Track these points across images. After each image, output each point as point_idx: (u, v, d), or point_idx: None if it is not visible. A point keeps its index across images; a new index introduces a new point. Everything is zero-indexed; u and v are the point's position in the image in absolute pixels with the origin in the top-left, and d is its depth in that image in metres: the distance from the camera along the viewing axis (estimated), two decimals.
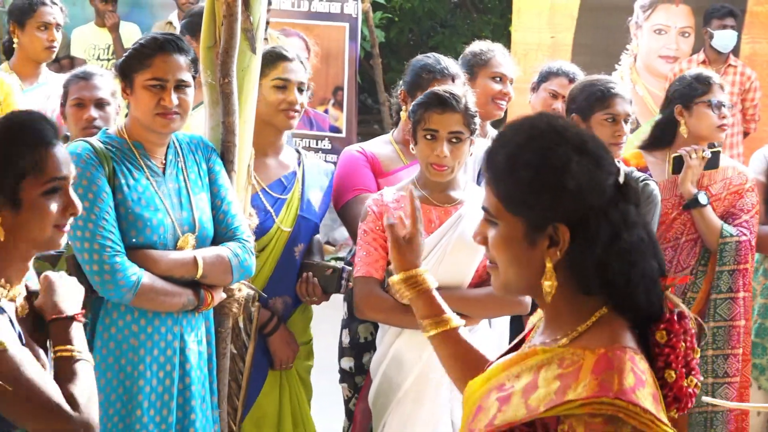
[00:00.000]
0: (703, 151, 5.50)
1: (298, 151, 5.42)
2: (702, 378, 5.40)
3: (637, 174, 5.27)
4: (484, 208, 2.61)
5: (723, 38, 8.31)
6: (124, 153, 4.31)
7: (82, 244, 4.18)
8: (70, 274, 4.18)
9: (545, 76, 5.99)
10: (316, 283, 5.15)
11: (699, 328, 5.51)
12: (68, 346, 3.25)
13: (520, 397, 2.54)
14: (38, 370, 3.13)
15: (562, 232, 2.50)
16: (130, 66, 4.30)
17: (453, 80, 5.33)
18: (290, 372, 5.28)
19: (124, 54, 4.40)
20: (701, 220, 5.50)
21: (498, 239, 2.60)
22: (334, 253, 10.42)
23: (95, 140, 4.33)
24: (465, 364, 3.15)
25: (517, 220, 2.53)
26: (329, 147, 11.88)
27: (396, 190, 4.73)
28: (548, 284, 2.54)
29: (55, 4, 6.68)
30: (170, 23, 10.63)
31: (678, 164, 5.51)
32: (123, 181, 4.25)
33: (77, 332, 3.32)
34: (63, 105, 5.31)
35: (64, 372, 3.24)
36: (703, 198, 5.49)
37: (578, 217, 2.49)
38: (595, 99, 5.11)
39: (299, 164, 5.31)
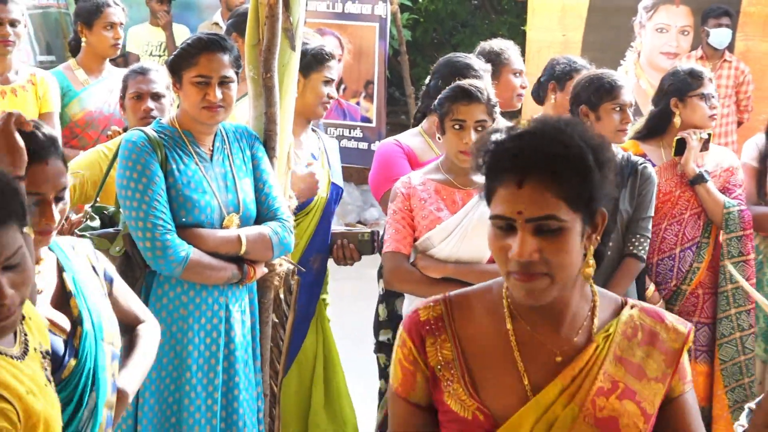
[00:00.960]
0: (701, 134, 5.50)
1: (313, 130, 5.50)
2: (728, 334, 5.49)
3: (635, 158, 5.27)
4: (547, 217, 2.38)
5: (719, 36, 8.27)
6: (175, 141, 4.30)
7: (137, 223, 4.18)
8: (126, 251, 4.24)
9: (569, 73, 5.91)
10: (353, 248, 5.22)
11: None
12: None
13: (639, 380, 2.53)
14: None
15: (602, 217, 2.45)
16: (179, 64, 4.30)
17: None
18: (322, 327, 5.43)
19: (173, 53, 4.40)
20: (706, 194, 5.48)
21: (565, 242, 2.40)
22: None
23: (149, 129, 4.33)
24: None
25: (577, 216, 2.40)
26: (360, 135, 11.90)
27: (422, 173, 4.72)
28: (590, 270, 2.49)
29: (117, 5, 6.70)
30: (216, 24, 10.63)
31: (680, 147, 5.50)
32: (174, 167, 4.24)
33: None
34: (122, 97, 5.31)
35: None
36: (706, 174, 5.49)
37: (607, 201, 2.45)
38: (604, 90, 5.09)
39: (319, 139, 5.45)
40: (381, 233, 5.08)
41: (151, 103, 5.14)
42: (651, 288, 5.47)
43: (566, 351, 2.54)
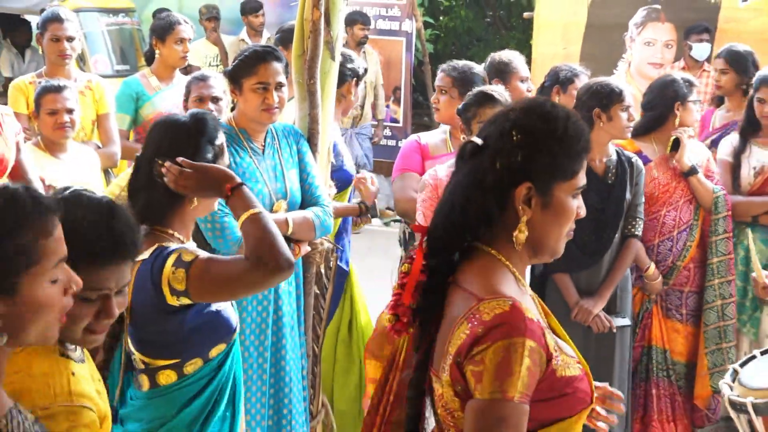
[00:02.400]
0: (690, 131, 5.52)
1: None
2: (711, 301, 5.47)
3: (628, 154, 5.29)
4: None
5: (700, 49, 8.22)
6: (232, 138, 4.28)
7: None
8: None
9: (571, 78, 5.92)
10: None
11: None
12: (255, 210, 3.03)
13: None
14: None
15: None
16: (239, 73, 4.29)
17: None
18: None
19: (233, 63, 4.39)
20: (698, 183, 5.45)
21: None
22: (392, 216, 10.41)
23: None
24: None
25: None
26: (390, 134, 11.97)
27: (447, 166, 4.69)
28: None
29: (187, 23, 6.74)
30: (242, 40, 10.73)
31: (675, 144, 5.50)
32: (231, 159, 4.23)
33: (250, 194, 3.13)
34: (186, 100, 5.31)
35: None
36: (695, 168, 5.46)
37: None
38: (615, 95, 5.09)
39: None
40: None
41: (211, 105, 5.12)
42: (652, 267, 5.44)
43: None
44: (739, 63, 6.56)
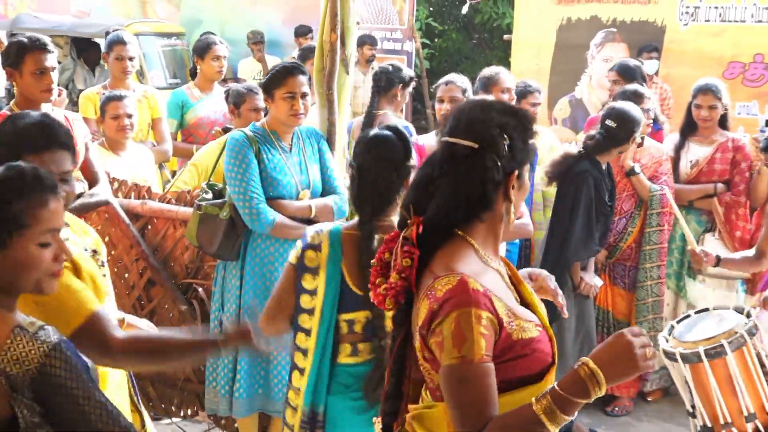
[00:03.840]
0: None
1: None
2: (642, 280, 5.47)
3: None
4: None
5: (650, 65, 8.19)
6: (265, 138, 4.30)
7: (238, 195, 4.19)
8: (231, 216, 4.23)
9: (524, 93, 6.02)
10: None
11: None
12: None
13: None
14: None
15: None
16: (272, 84, 4.27)
17: None
18: None
19: (266, 76, 4.39)
20: (638, 182, 5.48)
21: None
22: None
23: (247, 130, 4.34)
24: None
25: None
26: None
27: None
28: None
29: (222, 43, 6.73)
30: (294, 57, 10.73)
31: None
32: (264, 156, 4.25)
33: None
34: (235, 106, 5.39)
35: None
36: (637, 168, 5.47)
37: None
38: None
39: None
40: None
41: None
42: None
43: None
44: (628, 74, 6.59)
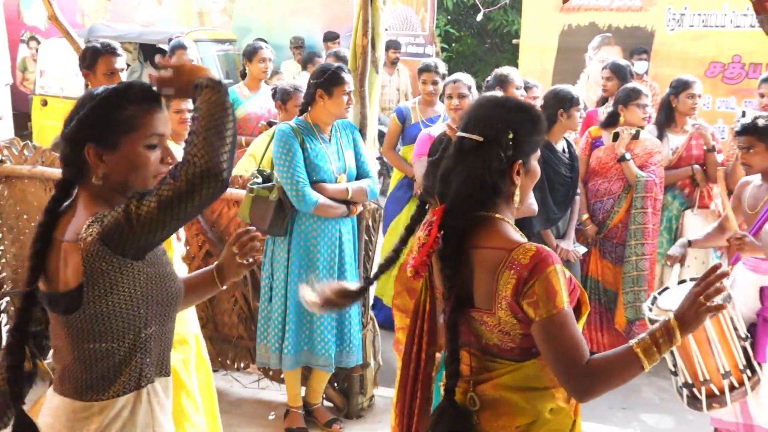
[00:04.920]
0: (630, 130, 5.44)
1: None
2: (628, 256, 5.44)
3: (568, 140, 5.30)
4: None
5: (640, 65, 8.12)
6: (308, 129, 4.29)
7: (285, 180, 4.19)
8: (279, 197, 4.23)
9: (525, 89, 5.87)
10: None
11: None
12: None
13: None
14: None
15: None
16: (332, 82, 4.23)
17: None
18: None
19: (326, 77, 4.28)
20: (626, 168, 5.42)
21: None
22: None
23: (293, 122, 4.32)
24: None
25: None
26: None
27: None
28: None
29: (268, 47, 6.72)
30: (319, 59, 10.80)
31: (616, 136, 5.48)
32: (308, 145, 4.24)
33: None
34: (283, 102, 5.32)
35: None
36: (627, 156, 5.41)
37: None
38: (574, 100, 5.06)
39: None
40: None
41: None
42: (585, 216, 5.50)
43: None
44: (620, 72, 6.51)
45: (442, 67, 6.17)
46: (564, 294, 2.08)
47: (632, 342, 2.08)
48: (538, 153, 2.31)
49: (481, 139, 2.21)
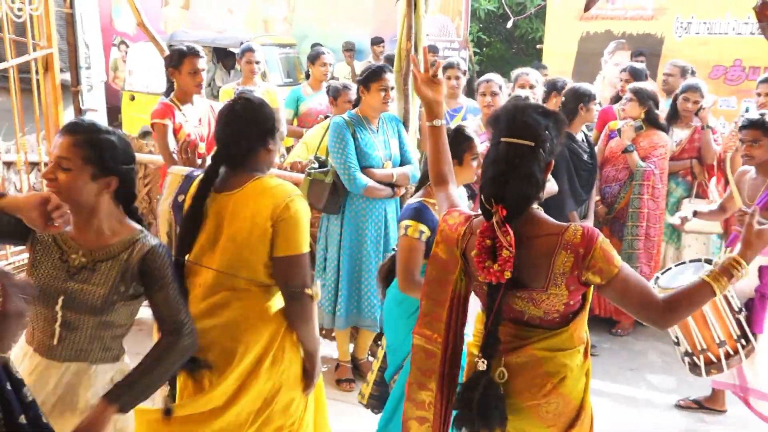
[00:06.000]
0: (632, 124, 5.37)
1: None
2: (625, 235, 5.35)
3: (585, 131, 5.22)
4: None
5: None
6: (359, 121, 4.27)
7: (339, 165, 4.18)
8: (334, 180, 4.22)
9: (564, 85, 5.71)
10: None
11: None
12: None
13: None
14: None
15: None
16: (370, 79, 4.22)
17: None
18: None
19: (364, 74, 4.29)
20: (629, 157, 5.34)
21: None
22: None
23: (345, 116, 4.31)
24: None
25: None
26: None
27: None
28: None
29: (329, 53, 6.73)
30: (369, 61, 10.68)
31: (619, 131, 5.44)
32: (359, 135, 4.22)
33: None
34: (335, 99, 5.32)
35: None
36: (631, 147, 5.33)
37: None
38: (592, 96, 4.99)
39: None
40: None
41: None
42: (596, 198, 5.42)
43: None
44: (638, 74, 6.38)
45: (463, 65, 6.13)
46: (616, 255, 2.12)
47: (702, 275, 2.16)
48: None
49: (532, 143, 2.15)
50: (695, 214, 4.33)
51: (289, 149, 6.37)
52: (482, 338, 2.19)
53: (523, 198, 2.14)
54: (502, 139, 2.18)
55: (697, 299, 2.13)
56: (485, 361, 2.16)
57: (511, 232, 2.10)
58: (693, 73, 6.44)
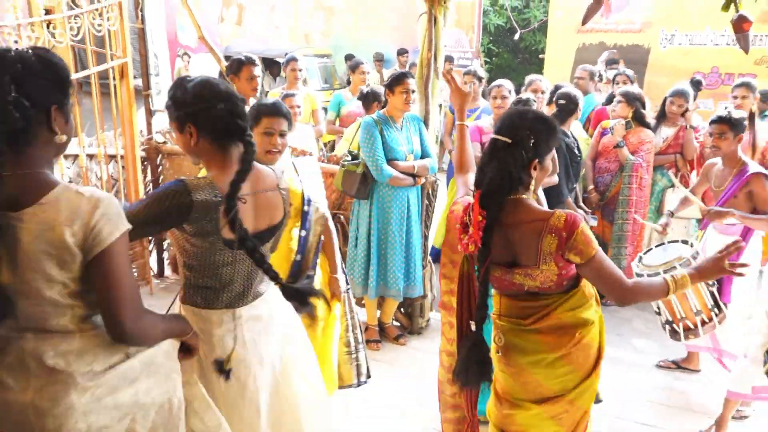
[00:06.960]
0: (622, 122, 5.28)
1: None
2: (615, 220, 5.30)
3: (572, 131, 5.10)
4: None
5: (609, 72, 7.77)
6: (386, 120, 4.26)
7: (368, 158, 4.18)
8: (364, 171, 4.22)
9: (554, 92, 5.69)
10: None
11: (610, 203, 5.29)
12: None
13: None
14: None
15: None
16: (393, 84, 4.21)
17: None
18: None
19: (389, 79, 4.29)
20: (620, 152, 5.27)
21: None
22: None
23: (374, 115, 4.30)
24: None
25: None
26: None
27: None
28: None
29: (368, 63, 6.72)
30: (396, 69, 10.59)
31: (611, 129, 5.36)
32: (385, 132, 4.22)
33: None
34: (368, 104, 5.32)
35: None
36: (621, 143, 5.25)
37: None
38: (578, 102, 4.91)
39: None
40: None
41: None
42: (590, 187, 5.37)
43: None
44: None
45: (480, 72, 6.10)
46: (594, 239, 2.13)
47: (667, 276, 2.17)
48: (553, 153, 2.27)
49: (509, 141, 2.18)
50: (672, 214, 4.29)
51: (327, 144, 6.42)
52: (476, 305, 2.27)
53: (496, 187, 2.17)
54: (491, 135, 2.24)
55: (655, 293, 2.16)
56: (473, 323, 2.25)
57: (481, 214, 2.14)
58: (600, 78, 6.32)
